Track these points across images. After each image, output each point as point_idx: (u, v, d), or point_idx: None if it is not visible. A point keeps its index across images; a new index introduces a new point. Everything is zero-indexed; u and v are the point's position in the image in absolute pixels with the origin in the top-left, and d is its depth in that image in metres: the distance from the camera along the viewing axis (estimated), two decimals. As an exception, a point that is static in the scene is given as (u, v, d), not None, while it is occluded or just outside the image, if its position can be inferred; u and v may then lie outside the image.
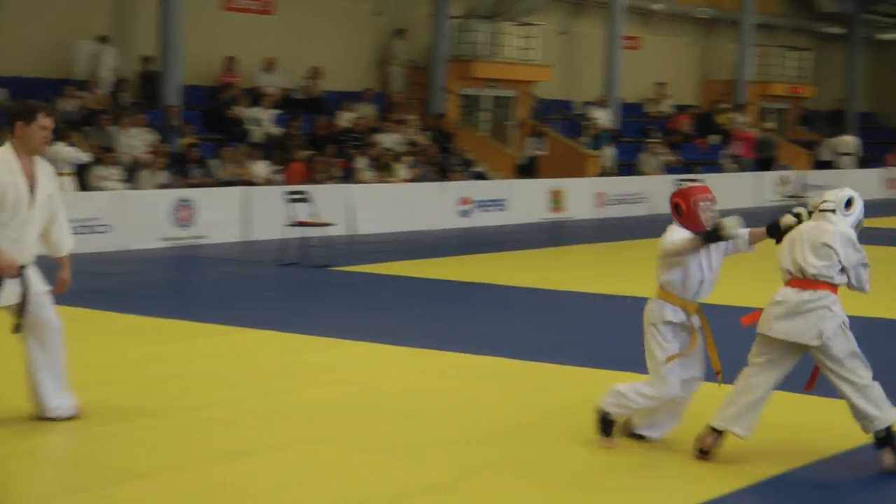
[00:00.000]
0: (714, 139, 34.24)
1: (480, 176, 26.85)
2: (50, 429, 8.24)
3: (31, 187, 8.10)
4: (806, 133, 38.86)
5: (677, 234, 7.89)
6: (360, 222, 22.18)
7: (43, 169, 8.26)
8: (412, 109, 27.52)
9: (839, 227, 7.72)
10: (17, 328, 8.19)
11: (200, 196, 20.38)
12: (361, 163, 23.81)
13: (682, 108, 35.13)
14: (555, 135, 30.13)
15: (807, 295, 7.69)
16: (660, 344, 7.98)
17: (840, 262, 7.66)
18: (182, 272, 18.13)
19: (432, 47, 28.54)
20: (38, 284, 8.22)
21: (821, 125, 39.80)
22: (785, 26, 40.10)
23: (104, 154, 20.48)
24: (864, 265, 7.75)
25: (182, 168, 21.36)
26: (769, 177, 32.20)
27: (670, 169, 30.39)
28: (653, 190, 28.27)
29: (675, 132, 32.99)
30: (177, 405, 9.09)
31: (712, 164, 32.74)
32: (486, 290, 15.66)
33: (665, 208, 27.06)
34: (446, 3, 28.32)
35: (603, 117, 31.00)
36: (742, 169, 32.67)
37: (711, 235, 7.81)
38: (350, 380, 10.19)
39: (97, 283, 15.23)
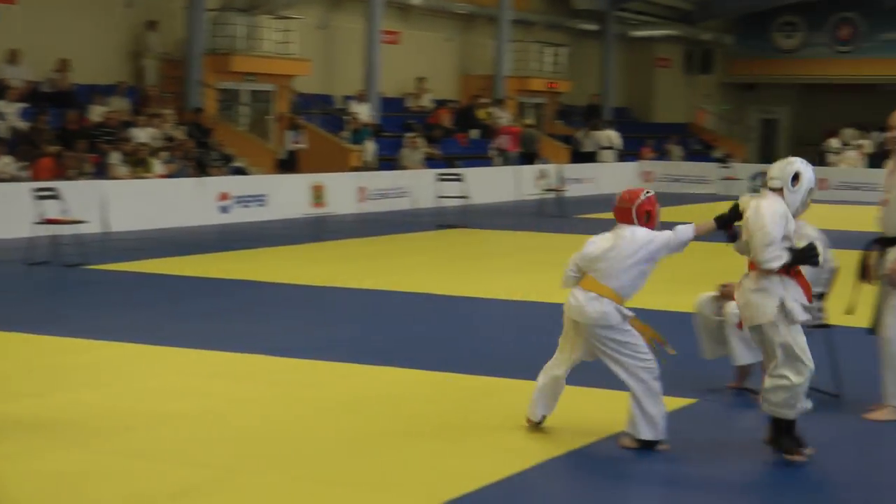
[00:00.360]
0: (474, 133, 34.49)
1: (240, 171, 26.35)
2: None
3: None
4: (563, 127, 39.47)
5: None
6: (115, 219, 21.44)
7: None
8: (168, 103, 26.80)
9: (774, 204, 7.72)
10: None
11: (-58, 194, 19.39)
12: (115, 158, 23.04)
13: (442, 103, 35.22)
14: (316, 129, 29.83)
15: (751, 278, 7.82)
16: (633, 336, 7.94)
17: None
18: (-77, 274, 17.19)
19: (188, 40, 27.86)
20: None
21: (578, 119, 40.53)
22: (541, 22, 40.66)
23: None
24: (769, 245, 7.65)
25: (-78, 165, 20.30)
26: (529, 170, 32.52)
27: (431, 163, 30.44)
28: (414, 184, 28.25)
29: (435, 127, 33.06)
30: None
31: (473, 159, 32.93)
32: (247, 287, 15.29)
33: (427, 202, 26.98)
34: (202, -5, 27.72)
35: (363, 112, 30.84)
36: (507, 162, 32.99)
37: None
38: (105, 381, 9.75)
39: None
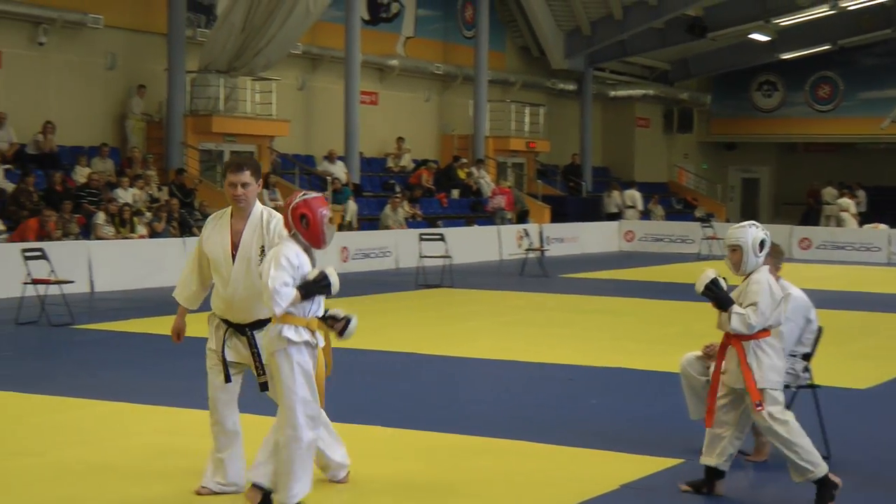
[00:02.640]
0: (455, 193, 34.68)
1: (223, 231, 26.35)
2: None
3: (234, 245, 7.88)
4: (543, 187, 39.58)
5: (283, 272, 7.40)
6: (100, 279, 21.50)
7: (254, 225, 7.96)
8: (151, 164, 26.96)
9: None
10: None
11: (-73, 254, 19.42)
12: (100, 219, 23.13)
13: (421, 163, 35.41)
14: (295, 189, 29.94)
15: None
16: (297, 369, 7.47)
17: None
18: None
19: (169, 102, 28.04)
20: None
21: (556, 179, 40.75)
22: (519, 82, 40.91)
23: None
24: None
25: None
26: (510, 230, 32.59)
27: (412, 223, 30.57)
28: (396, 244, 28.36)
29: (416, 186, 33.25)
30: None
31: (454, 218, 33.09)
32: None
33: (409, 261, 26.78)
34: (181, 58, 27.90)
35: (344, 172, 31.01)
36: (504, 222, 33.19)
37: (314, 288, 7.54)
38: (92, 439, 9.79)
39: None
